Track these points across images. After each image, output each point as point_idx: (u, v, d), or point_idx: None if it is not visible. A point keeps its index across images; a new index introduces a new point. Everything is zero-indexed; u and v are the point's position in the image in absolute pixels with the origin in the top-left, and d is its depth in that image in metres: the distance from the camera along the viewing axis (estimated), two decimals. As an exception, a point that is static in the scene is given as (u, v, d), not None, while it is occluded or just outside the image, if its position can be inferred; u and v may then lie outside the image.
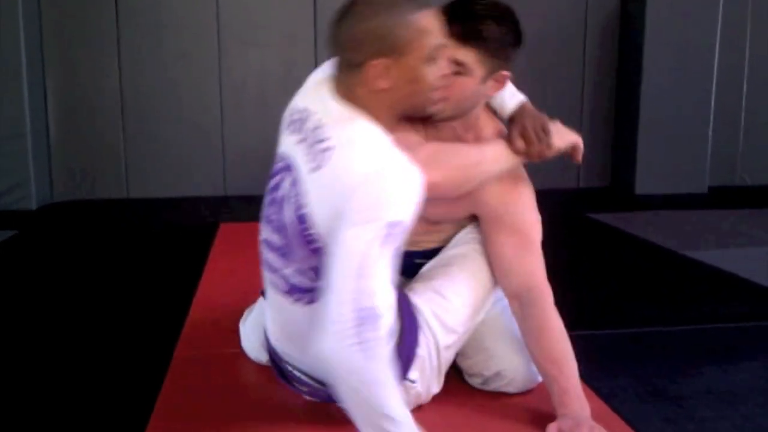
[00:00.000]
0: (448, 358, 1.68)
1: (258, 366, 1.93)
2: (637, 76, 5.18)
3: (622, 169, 5.41)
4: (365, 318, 1.25)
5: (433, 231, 1.75)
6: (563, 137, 1.62)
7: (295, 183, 1.43)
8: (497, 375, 1.76)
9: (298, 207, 1.40)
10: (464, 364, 1.80)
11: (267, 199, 1.55)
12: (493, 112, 1.72)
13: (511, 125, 1.62)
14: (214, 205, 4.91)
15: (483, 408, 1.73)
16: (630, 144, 5.27)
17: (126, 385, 1.98)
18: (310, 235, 1.39)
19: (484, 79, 1.57)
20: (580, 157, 1.65)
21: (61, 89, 5.00)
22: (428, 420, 1.49)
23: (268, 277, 1.58)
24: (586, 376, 1.90)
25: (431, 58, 1.39)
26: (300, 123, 1.47)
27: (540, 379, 1.74)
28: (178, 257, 3.49)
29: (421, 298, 1.64)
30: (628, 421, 1.69)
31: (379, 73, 1.36)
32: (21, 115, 4.64)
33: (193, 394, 1.82)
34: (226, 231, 3.93)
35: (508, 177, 1.64)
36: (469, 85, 1.55)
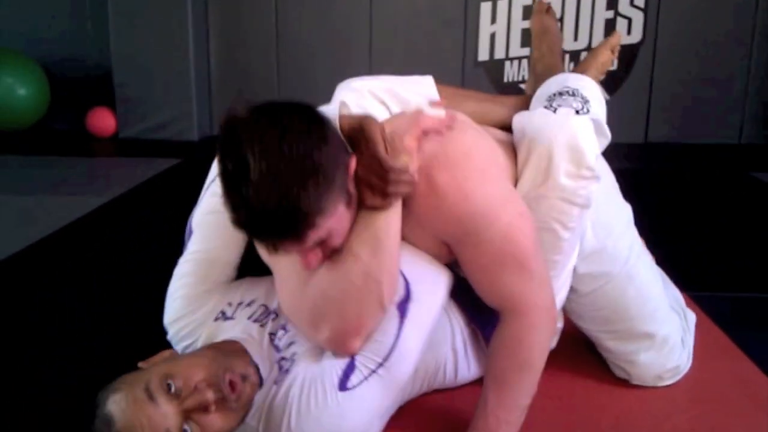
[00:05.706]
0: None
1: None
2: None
3: (792, 124, 4.99)
4: None
5: None
6: (409, 132, 1.24)
7: None
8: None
9: None
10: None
11: None
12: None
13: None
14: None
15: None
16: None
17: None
18: None
19: (339, 204, 1.16)
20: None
21: (221, 29, 5.25)
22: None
23: None
24: (739, 339, 1.87)
25: None
26: None
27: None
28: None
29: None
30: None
31: None
32: (185, 54, 4.96)
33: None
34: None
35: (458, 169, 1.26)
36: (339, 227, 1.20)
